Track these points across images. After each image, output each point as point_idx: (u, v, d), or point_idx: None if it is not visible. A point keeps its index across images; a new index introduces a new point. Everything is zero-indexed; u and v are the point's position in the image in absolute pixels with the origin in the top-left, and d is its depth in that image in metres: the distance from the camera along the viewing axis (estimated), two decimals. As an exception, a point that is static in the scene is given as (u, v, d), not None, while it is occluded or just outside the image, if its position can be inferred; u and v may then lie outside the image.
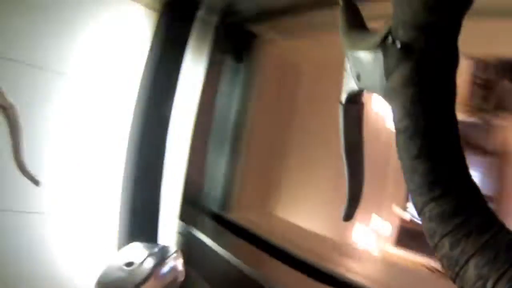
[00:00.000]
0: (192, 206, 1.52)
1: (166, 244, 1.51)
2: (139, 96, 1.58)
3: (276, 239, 1.17)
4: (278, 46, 1.56)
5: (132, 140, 1.57)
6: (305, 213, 1.44)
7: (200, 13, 1.46)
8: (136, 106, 1.58)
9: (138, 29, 1.62)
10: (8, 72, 1.46)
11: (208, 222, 1.48)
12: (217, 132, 1.53)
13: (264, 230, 1.25)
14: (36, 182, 0.94)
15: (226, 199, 1.50)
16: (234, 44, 1.57)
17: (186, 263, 1.46)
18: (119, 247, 1.69)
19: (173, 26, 1.49)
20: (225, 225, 1.40)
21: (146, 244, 1.48)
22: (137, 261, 1.32)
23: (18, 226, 1.53)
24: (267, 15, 1.38)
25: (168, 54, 1.51)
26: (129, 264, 1.29)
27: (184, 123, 1.51)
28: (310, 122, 1.46)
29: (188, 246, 1.47)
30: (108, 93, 1.66)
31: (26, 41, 1.51)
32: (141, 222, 1.68)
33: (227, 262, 1.19)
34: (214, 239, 1.28)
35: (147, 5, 1.66)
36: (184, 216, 1.50)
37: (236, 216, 1.42)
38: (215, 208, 1.51)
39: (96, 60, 1.59)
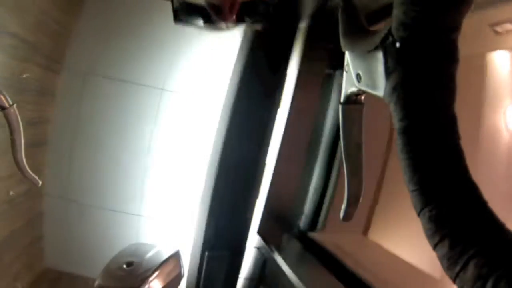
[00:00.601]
0: (275, 222, 1.40)
1: (166, 244, 1.48)
2: (227, 99, 1.60)
3: (364, 270, 0.98)
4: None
5: (218, 144, 1.56)
6: (404, 240, 1.15)
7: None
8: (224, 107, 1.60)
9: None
10: (125, 92, 1.85)
11: (289, 241, 1.34)
12: (314, 144, 1.37)
13: (351, 256, 1.08)
14: (36, 183, 0.94)
15: (314, 217, 1.33)
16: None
17: (259, 280, 1.43)
18: (193, 254, 1.78)
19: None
20: (307, 246, 1.24)
21: (146, 244, 1.49)
22: (137, 261, 1.31)
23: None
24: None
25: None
26: (129, 264, 1.29)
27: (275, 132, 1.43)
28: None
29: (263, 263, 1.40)
30: (210, 105, 1.88)
31: (141, 65, 1.84)
32: (216, 232, 1.63)
33: None
34: (291, 263, 1.11)
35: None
36: (263, 231, 1.40)
37: (322, 237, 1.26)
38: (300, 225, 1.36)
39: (199, 77, 1.88)
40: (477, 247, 0.22)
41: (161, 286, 1.31)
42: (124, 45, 1.85)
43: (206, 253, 1.71)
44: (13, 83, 1.38)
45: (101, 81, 1.87)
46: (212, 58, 1.90)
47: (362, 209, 1.24)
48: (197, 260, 1.82)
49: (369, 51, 0.34)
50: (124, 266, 1.28)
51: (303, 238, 1.31)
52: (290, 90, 1.35)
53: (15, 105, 0.79)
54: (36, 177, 0.94)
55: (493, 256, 0.21)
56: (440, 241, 0.24)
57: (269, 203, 1.40)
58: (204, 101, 1.92)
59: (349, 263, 1.03)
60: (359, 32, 0.39)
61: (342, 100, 0.46)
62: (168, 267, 1.36)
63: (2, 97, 0.77)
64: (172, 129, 1.95)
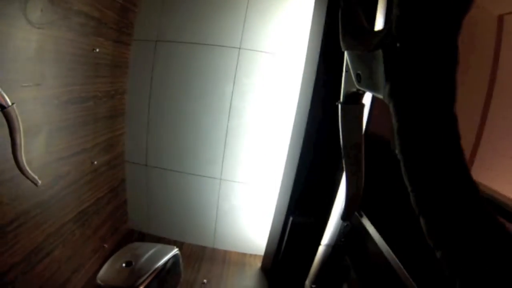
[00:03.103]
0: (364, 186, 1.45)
1: (166, 245, 1.57)
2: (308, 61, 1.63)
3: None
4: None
5: (304, 106, 1.61)
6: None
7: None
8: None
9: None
10: (199, 55, 1.95)
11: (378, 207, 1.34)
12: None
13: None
14: (35, 182, 0.99)
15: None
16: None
17: (344, 248, 1.48)
18: (275, 218, 2.00)
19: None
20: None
21: (146, 244, 1.58)
22: (137, 261, 1.40)
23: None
24: None
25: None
26: (129, 263, 1.38)
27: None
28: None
29: (349, 230, 1.45)
30: (292, 62, 1.94)
31: (214, 25, 1.91)
32: (301, 197, 1.75)
33: (382, 254, 1.08)
34: (380, 228, 1.16)
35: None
36: None
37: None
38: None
39: (297, 39, 1.89)
40: (478, 249, 0.23)
41: (160, 285, 1.39)
42: (193, 7, 1.88)
43: (290, 218, 1.78)
44: (86, 59, 1.53)
45: (173, 47, 1.95)
46: (288, 12, 1.86)
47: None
48: (280, 225, 1.90)
49: (369, 51, 0.35)
50: (124, 265, 1.37)
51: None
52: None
53: (14, 105, 0.83)
54: (36, 177, 0.98)
55: (493, 258, 0.22)
56: (440, 242, 0.26)
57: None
58: (285, 58, 1.92)
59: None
60: (359, 32, 0.40)
61: (342, 100, 0.47)
62: (167, 267, 1.44)
63: (1, 96, 0.81)
64: (252, 88, 1.98)
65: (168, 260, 1.47)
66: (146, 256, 1.44)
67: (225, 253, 2.32)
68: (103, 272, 1.34)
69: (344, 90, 0.45)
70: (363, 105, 0.47)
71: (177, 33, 1.92)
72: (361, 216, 1.29)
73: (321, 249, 1.75)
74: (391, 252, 1.02)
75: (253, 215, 2.26)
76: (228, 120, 2.04)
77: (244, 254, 2.33)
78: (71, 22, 1.35)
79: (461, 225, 0.24)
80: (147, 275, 1.35)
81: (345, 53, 0.42)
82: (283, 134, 2.01)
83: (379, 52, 0.32)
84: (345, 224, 1.50)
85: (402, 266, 0.96)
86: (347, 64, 0.42)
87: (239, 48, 1.90)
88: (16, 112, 0.85)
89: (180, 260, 1.57)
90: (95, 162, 1.77)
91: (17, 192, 1.23)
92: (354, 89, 0.42)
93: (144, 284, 1.32)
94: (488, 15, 1.05)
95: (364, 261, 1.28)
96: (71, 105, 1.49)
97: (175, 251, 1.53)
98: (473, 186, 0.25)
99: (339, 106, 0.47)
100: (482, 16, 1.04)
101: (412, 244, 1.06)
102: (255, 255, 2.33)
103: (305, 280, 1.83)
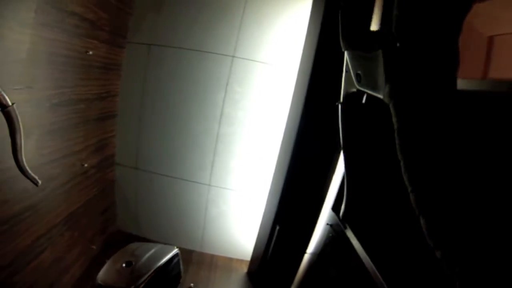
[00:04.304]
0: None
1: (166, 244, 1.57)
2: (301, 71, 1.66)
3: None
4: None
5: (295, 116, 1.61)
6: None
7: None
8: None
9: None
10: (193, 61, 1.94)
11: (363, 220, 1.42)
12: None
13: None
14: (36, 183, 0.98)
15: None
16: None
17: (327, 256, 1.48)
18: (262, 226, 1.98)
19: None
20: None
21: (146, 244, 1.56)
22: (137, 261, 1.39)
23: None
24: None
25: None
26: (129, 263, 1.37)
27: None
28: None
29: (333, 240, 1.44)
30: (285, 72, 1.93)
31: (209, 32, 1.90)
32: (289, 206, 1.74)
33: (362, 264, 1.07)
34: (363, 241, 1.13)
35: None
36: (338, 208, 1.42)
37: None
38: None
39: (292, 50, 1.89)
40: (477, 250, 0.23)
41: (160, 285, 1.38)
42: (188, 12, 1.87)
43: (277, 227, 1.77)
44: (79, 61, 1.51)
45: (166, 51, 1.94)
46: (284, 23, 1.87)
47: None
48: (266, 232, 1.90)
49: (369, 51, 0.34)
50: (124, 265, 1.36)
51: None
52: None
53: (15, 105, 0.82)
54: (36, 177, 0.97)
55: (491, 259, 0.22)
56: (440, 241, 0.25)
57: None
58: (278, 68, 1.92)
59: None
60: (359, 32, 0.39)
61: (341, 100, 0.46)
62: (167, 267, 1.42)
63: (2, 96, 0.80)
64: (245, 97, 1.98)
65: (168, 260, 1.46)
66: (146, 256, 1.42)
67: (212, 257, 2.30)
68: (103, 272, 1.33)
69: (344, 91, 0.44)
70: (363, 106, 0.46)
71: (171, 37, 1.91)
72: (345, 227, 1.29)
73: (306, 257, 1.74)
74: (373, 265, 1.03)
75: (240, 221, 2.25)
76: (219, 127, 2.02)
77: (231, 259, 2.32)
78: (65, 23, 1.33)
79: (461, 226, 0.24)
80: (147, 275, 1.33)
81: (345, 53, 0.41)
82: (273, 143, 2.01)
83: (379, 52, 0.31)
84: (330, 234, 1.50)
85: (382, 280, 0.96)
86: (347, 64, 0.41)
87: (233, 57, 1.89)
88: (16, 112, 0.84)
89: (180, 260, 1.55)
90: (85, 165, 1.74)
91: (8, 195, 1.20)
92: (354, 89, 0.41)
93: (144, 284, 1.30)
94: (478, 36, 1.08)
95: (347, 272, 1.28)
96: (62, 108, 1.46)
97: (175, 251, 1.51)
98: (473, 186, 0.25)
99: (339, 106, 0.46)
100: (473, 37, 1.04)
101: (394, 257, 1.08)
102: (242, 260, 2.32)
103: (290, 287, 1.82)
